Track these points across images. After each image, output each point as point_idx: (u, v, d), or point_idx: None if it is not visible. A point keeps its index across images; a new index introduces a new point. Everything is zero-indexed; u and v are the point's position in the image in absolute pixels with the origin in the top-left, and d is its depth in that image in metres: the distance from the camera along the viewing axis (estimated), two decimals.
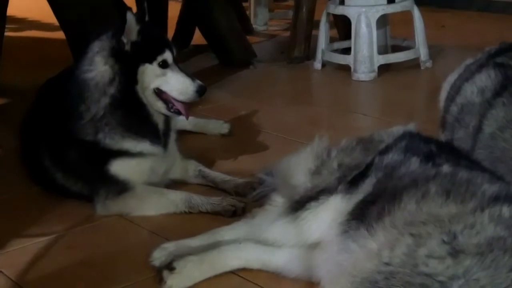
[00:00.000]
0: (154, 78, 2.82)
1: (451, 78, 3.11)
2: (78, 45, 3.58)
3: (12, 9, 5.16)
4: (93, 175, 2.86)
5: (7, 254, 2.55)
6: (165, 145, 2.95)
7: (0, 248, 2.58)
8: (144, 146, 2.85)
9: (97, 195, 2.84)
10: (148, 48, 2.82)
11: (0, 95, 4.58)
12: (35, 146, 3.03)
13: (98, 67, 2.81)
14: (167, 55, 2.83)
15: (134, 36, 2.77)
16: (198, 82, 2.86)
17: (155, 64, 2.81)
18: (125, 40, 2.77)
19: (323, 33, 4.89)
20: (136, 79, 2.81)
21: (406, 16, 4.82)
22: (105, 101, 2.80)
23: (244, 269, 2.29)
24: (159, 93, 2.85)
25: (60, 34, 4.44)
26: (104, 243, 2.63)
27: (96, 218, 2.80)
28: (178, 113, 2.88)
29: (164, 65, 2.83)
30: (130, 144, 2.83)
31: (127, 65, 2.80)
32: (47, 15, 4.77)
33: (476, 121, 2.70)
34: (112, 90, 2.79)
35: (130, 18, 2.75)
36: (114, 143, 2.82)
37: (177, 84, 2.84)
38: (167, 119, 2.95)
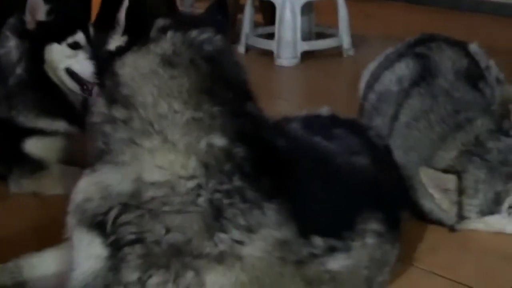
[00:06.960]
0: (64, 59, 2.79)
1: (371, 66, 3.16)
2: None
3: None
4: (7, 153, 2.82)
5: None
6: (83, 125, 2.91)
7: None
8: (60, 125, 2.83)
9: (11, 173, 2.81)
10: (57, 28, 2.77)
11: None
12: None
13: (8, 45, 2.78)
14: (79, 36, 2.80)
15: (41, 15, 2.73)
16: None
17: (64, 44, 2.78)
18: (28, 19, 2.73)
19: (247, 18, 4.88)
20: (43, 59, 2.77)
21: (333, 4, 4.84)
22: (13, 80, 2.76)
23: None
24: (72, 74, 2.81)
25: None
26: (16, 221, 2.58)
27: (9, 196, 2.77)
28: (92, 94, 2.81)
29: (75, 46, 2.79)
30: (44, 123, 2.80)
31: (33, 44, 2.76)
32: None
33: (392, 110, 2.73)
34: (19, 70, 2.76)
35: None
36: (28, 121, 2.78)
37: (89, 66, 2.77)
38: (86, 99, 2.90)
